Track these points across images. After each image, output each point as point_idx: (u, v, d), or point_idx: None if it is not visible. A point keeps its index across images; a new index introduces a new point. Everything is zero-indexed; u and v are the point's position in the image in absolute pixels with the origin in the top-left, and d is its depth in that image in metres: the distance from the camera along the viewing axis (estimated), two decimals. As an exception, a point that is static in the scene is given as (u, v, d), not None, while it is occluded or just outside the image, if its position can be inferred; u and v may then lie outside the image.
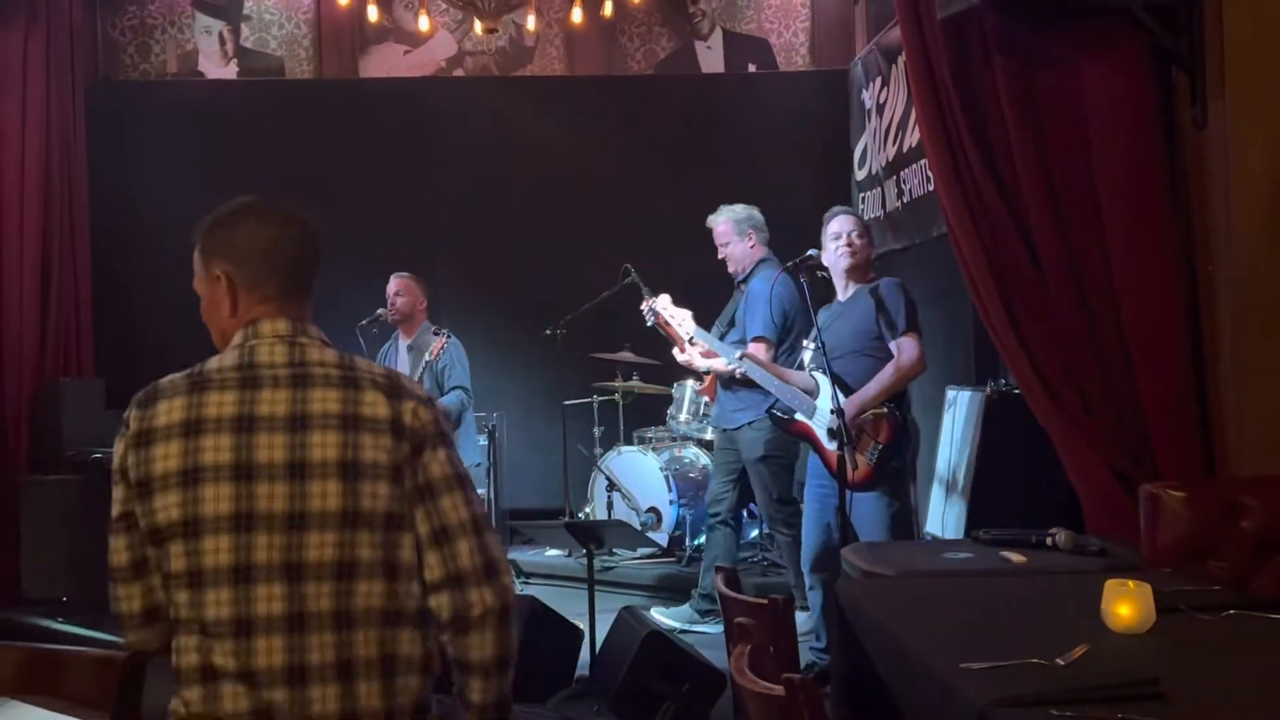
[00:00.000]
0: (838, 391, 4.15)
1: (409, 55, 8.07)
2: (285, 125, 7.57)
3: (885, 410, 4.23)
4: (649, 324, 5.32)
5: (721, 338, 5.18)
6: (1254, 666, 2.15)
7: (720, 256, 5.31)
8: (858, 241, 4.37)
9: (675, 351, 5.25)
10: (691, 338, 4.87)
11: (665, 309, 4.90)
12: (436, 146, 7.66)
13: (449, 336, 5.28)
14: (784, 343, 5.09)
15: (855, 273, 4.42)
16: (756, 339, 5.01)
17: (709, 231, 5.37)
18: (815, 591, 4.47)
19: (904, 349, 4.22)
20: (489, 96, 7.85)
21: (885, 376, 4.23)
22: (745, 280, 5.24)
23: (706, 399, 6.05)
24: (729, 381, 5.18)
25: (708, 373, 5.42)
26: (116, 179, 7.33)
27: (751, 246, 5.24)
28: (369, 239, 7.41)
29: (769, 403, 4.95)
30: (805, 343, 4.61)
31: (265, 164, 7.49)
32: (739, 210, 5.28)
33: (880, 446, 4.19)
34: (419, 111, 7.69)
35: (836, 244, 4.38)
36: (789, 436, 5.01)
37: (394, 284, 5.68)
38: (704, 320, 5.13)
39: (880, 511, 4.24)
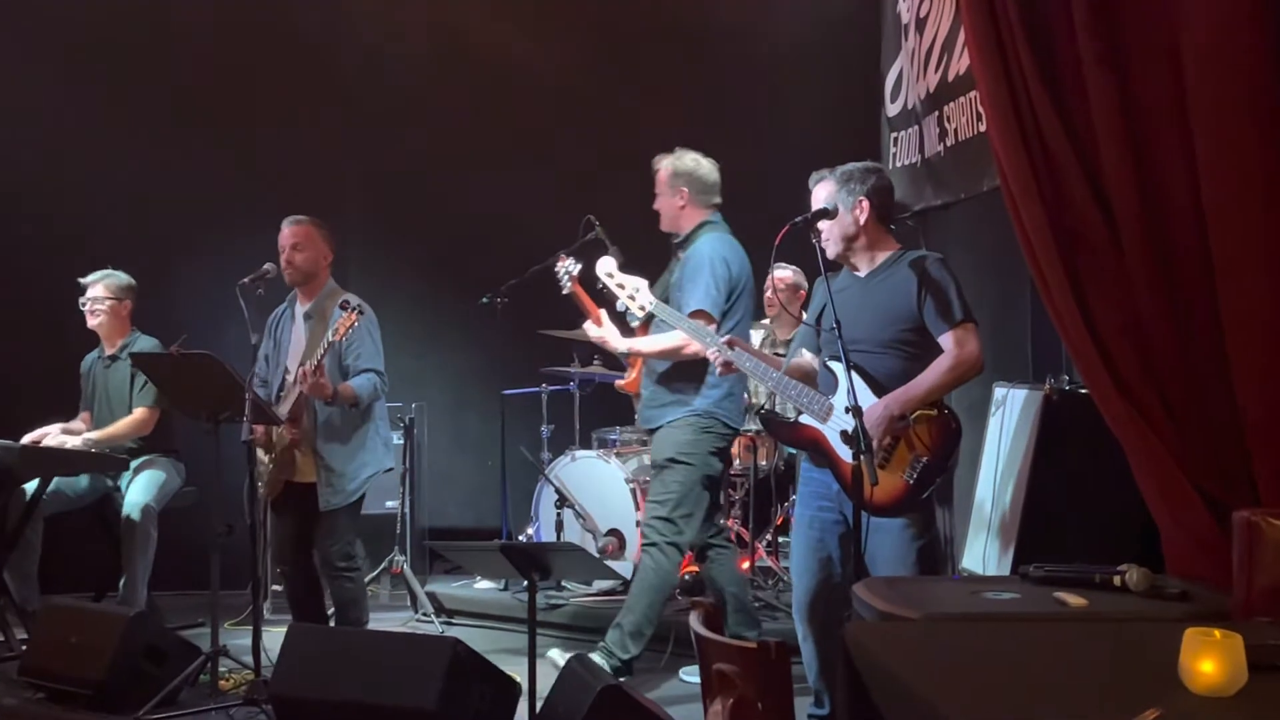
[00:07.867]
0: (854, 389, 3.97)
1: (315, -62, 8.01)
2: (154, 27, 7.50)
3: (937, 412, 4.17)
4: (564, 290, 5.52)
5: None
6: (1369, 742, 2.16)
7: (655, 206, 5.51)
8: (822, 228, 4.27)
9: (587, 325, 5.39)
10: (643, 309, 4.80)
11: (613, 274, 4.86)
12: (347, 59, 7.62)
13: (360, 310, 5.16)
14: (726, 319, 5.23)
15: (853, 256, 4.38)
16: (694, 313, 5.10)
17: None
18: (808, 643, 4.45)
19: (963, 342, 4.16)
20: (418, -5, 7.83)
21: (941, 370, 4.16)
22: (683, 245, 5.42)
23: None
24: (664, 373, 5.32)
25: (629, 356, 5.54)
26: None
27: (681, 207, 5.42)
28: (259, 173, 7.38)
29: (710, 399, 5.24)
30: (807, 322, 4.59)
31: (132, 73, 7.43)
32: (685, 161, 5.44)
33: (923, 461, 4.13)
34: (326, 12, 7.64)
35: None
36: (714, 446, 5.26)
37: (290, 232, 5.46)
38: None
39: (904, 545, 4.19)
